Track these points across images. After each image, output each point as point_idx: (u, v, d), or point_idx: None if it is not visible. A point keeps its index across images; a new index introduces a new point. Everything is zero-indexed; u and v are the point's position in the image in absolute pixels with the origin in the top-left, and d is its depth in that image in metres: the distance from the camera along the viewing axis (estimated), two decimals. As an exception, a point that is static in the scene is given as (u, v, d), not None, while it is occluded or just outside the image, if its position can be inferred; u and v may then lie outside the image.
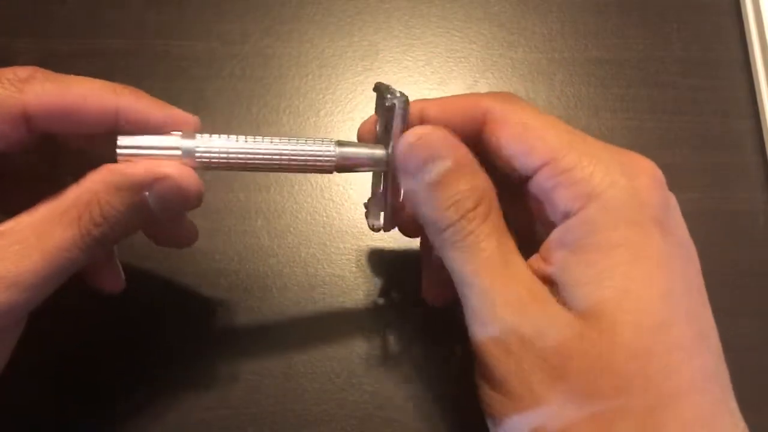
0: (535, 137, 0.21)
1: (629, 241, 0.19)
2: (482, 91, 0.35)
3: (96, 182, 0.21)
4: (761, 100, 0.35)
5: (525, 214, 0.24)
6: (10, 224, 0.20)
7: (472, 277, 0.21)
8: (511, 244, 0.21)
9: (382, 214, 0.25)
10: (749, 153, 0.34)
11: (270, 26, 0.35)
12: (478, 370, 0.21)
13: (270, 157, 0.22)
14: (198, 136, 0.22)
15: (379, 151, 0.23)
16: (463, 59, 0.35)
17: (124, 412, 0.27)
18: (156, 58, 0.34)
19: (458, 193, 0.21)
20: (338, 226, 0.31)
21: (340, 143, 0.23)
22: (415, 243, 0.29)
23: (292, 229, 0.31)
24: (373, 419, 0.28)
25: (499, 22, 0.36)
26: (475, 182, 0.21)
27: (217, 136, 0.22)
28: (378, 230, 0.26)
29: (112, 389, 0.28)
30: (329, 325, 0.29)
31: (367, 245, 0.31)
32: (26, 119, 0.20)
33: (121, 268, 0.26)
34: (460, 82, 0.35)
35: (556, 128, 0.22)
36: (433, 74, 0.35)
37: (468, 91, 0.35)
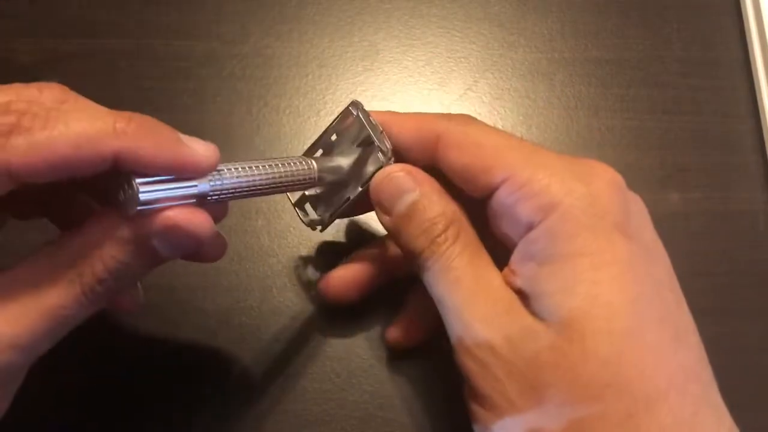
0: (490, 156, 0.22)
1: (591, 249, 0.20)
2: (481, 91, 0.35)
3: (98, 235, 0.19)
4: (761, 100, 0.35)
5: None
6: (6, 280, 0.19)
7: (445, 296, 0.22)
8: (483, 260, 0.22)
9: (327, 214, 0.27)
10: (749, 153, 0.34)
11: (270, 26, 0.35)
12: (464, 383, 0.22)
13: (266, 185, 0.23)
14: (211, 176, 0.21)
15: (345, 161, 0.26)
16: (463, 59, 0.35)
17: (124, 413, 0.27)
18: (156, 58, 0.34)
19: (426, 221, 0.22)
20: (338, 225, 0.31)
21: (316, 160, 0.25)
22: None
23: (292, 229, 0.31)
24: (373, 419, 0.28)
25: (499, 22, 0.36)
26: (442, 208, 0.23)
27: (225, 168, 0.21)
28: (316, 227, 0.28)
29: (112, 390, 0.28)
30: (329, 325, 0.29)
31: (367, 245, 0.31)
32: (9, 175, 0.17)
33: (140, 288, 0.25)
34: (460, 82, 0.35)
35: (509, 144, 0.22)
36: (433, 74, 0.35)
37: (468, 91, 0.35)
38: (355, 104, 0.25)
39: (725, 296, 0.31)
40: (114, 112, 0.19)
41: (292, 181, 0.24)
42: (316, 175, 0.24)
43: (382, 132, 0.24)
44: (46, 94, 0.18)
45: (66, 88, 0.19)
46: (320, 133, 0.27)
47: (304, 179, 0.24)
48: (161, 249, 0.20)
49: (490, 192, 0.22)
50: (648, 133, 0.34)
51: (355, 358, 0.29)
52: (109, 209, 0.20)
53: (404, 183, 0.23)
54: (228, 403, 0.28)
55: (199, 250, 0.22)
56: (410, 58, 0.35)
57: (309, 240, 0.31)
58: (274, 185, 0.23)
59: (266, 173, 0.23)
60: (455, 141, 0.23)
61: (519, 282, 0.21)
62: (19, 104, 0.17)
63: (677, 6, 0.37)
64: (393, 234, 0.24)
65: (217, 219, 0.22)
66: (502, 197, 0.22)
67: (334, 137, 0.26)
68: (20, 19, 0.34)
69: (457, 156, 0.23)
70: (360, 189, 0.25)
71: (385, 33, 0.36)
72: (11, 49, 0.33)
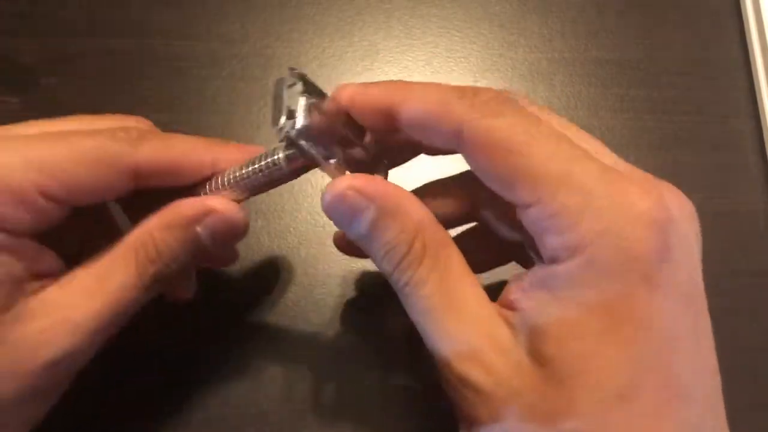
0: (519, 170, 0.18)
1: (609, 304, 0.18)
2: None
3: (150, 221, 0.22)
4: (761, 100, 0.35)
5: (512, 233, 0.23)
6: (74, 271, 0.21)
7: (419, 322, 0.20)
8: (456, 272, 0.20)
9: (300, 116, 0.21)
10: (749, 153, 0.34)
11: (270, 26, 0.35)
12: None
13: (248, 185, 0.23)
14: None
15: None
16: (463, 59, 0.35)
17: (124, 413, 0.27)
18: (156, 58, 0.34)
19: (387, 243, 0.20)
20: (338, 226, 0.31)
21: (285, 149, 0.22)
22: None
23: (292, 229, 0.31)
24: (373, 419, 0.28)
25: (499, 22, 0.36)
26: (404, 221, 0.20)
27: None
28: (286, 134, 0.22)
29: (112, 389, 0.28)
30: (329, 326, 0.29)
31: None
32: (136, 175, 0.21)
33: (194, 278, 0.27)
34: (460, 82, 0.35)
35: (544, 152, 0.18)
36: (433, 74, 0.35)
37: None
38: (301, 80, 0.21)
39: (725, 296, 0.31)
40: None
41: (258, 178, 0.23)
42: (285, 163, 0.22)
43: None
44: (141, 121, 0.24)
45: (140, 117, 0.24)
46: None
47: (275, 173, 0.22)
48: (204, 236, 0.22)
49: (517, 206, 0.19)
50: (648, 133, 0.34)
51: (356, 358, 0.29)
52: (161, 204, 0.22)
53: (356, 202, 0.20)
54: (227, 402, 0.28)
55: (231, 243, 0.25)
56: (410, 58, 0.35)
57: (309, 240, 0.31)
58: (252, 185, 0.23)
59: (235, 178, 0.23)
60: (479, 142, 0.19)
61: (524, 305, 0.19)
62: (134, 125, 0.23)
63: (677, 6, 0.37)
64: (364, 250, 0.21)
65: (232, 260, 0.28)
66: (531, 219, 0.19)
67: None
68: (20, 19, 0.34)
69: (481, 161, 0.19)
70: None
71: (385, 33, 0.36)
72: (12, 48, 0.33)
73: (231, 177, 0.23)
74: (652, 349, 0.18)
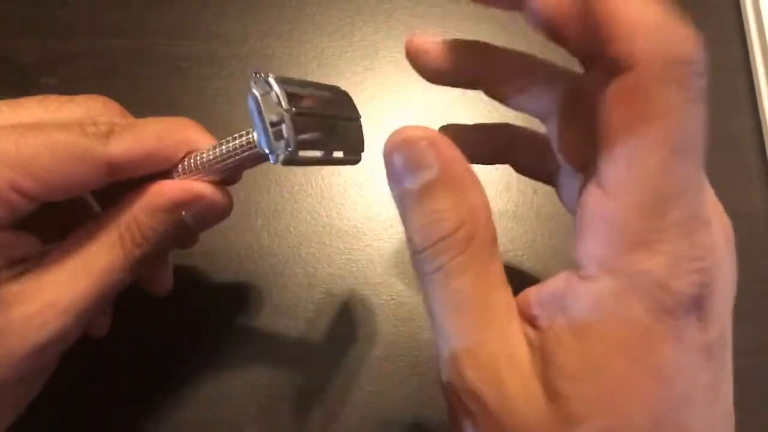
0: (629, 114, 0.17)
1: (635, 347, 0.16)
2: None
3: (135, 205, 0.22)
4: (761, 100, 0.35)
5: (545, 169, 0.24)
6: (58, 251, 0.21)
7: (440, 316, 0.18)
8: (494, 276, 0.18)
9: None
10: (749, 153, 0.34)
11: (270, 26, 0.35)
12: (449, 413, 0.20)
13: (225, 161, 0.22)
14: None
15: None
16: (463, 59, 0.35)
17: (124, 412, 0.27)
18: (156, 58, 0.34)
19: (436, 212, 0.18)
20: (338, 226, 0.31)
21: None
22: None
23: (292, 229, 0.31)
24: (373, 419, 0.28)
25: (500, 22, 0.36)
26: (460, 199, 0.18)
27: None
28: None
29: (112, 389, 0.28)
30: (329, 325, 0.29)
31: (367, 245, 0.31)
32: (110, 169, 0.21)
33: (171, 272, 0.27)
34: (460, 82, 0.35)
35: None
36: (433, 74, 0.35)
37: (468, 91, 0.35)
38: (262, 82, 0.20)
39: (725, 296, 0.31)
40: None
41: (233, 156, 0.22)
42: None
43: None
44: (109, 105, 0.23)
45: (107, 99, 0.23)
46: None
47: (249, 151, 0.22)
48: (189, 219, 0.22)
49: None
50: (648, 134, 0.34)
51: (356, 357, 0.29)
52: (146, 184, 0.22)
53: (423, 155, 0.18)
54: (227, 403, 0.28)
55: (214, 225, 0.24)
56: (410, 58, 0.35)
57: (309, 240, 0.31)
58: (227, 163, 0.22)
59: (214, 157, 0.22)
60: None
61: (541, 323, 0.18)
62: (103, 117, 0.22)
63: (677, 6, 0.37)
64: (397, 206, 0.19)
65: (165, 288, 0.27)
66: (586, 197, 0.17)
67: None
68: (20, 19, 0.34)
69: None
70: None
71: (385, 33, 0.36)
72: (11, 49, 0.33)
73: (206, 158, 0.22)
74: (670, 405, 0.17)
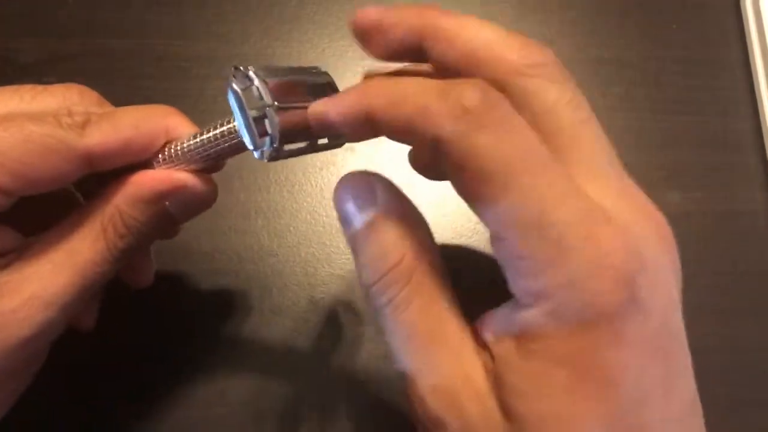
0: (493, 201, 0.17)
1: (575, 358, 0.17)
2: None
3: (117, 195, 0.21)
4: (761, 100, 0.35)
5: None
6: (40, 244, 0.21)
7: (394, 347, 0.19)
8: (441, 304, 0.19)
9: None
10: (749, 153, 0.34)
11: (270, 26, 0.35)
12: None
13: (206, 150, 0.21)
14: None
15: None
16: (463, 59, 0.35)
17: (124, 412, 0.27)
18: (156, 58, 0.34)
19: (381, 246, 0.18)
20: (338, 225, 0.31)
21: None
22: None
23: (292, 229, 0.31)
24: (373, 419, 0.28)
25: (499, 22, 0.36)
26: (403, 233, 0.18)
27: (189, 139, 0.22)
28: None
29: (112, 389, 0.28)
30: (329, 326, 0.29)
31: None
32: (88, 161, 0.20)
33: (153, 265, 0.27)
34: (460, 82, 0.35)
35: (527, 184, 0.16)
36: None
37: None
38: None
39: (725, 296, 0.31)
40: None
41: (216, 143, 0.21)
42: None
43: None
44: (86, 95, 0.22)
45: (84, 87, 0.22)
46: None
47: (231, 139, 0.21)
48: (172, 208, 0.22)
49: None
50: (648, 133, 0.34)
51: (356, 357, 0.29)
52: (127, 175, 0.21)
53: (367, 195, 0.19)
54: (227, 403, 0.28)
55: (197, 214, 0.24)
56: (410, 58, 0.35)
57: (309, 240, 0.31)
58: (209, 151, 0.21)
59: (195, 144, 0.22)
60: (455, 162, 0.17)
61: (493, 349, 0.18)
62: (79, 107, 0.21)
63: (677, 6, 0.37)
64: (350, 249, 0.20)
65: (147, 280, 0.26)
66: (496, 249, 0.18)
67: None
68: (20, 19, 0.34)
69: (456, 182, 0.18)
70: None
71: (385, 33, 0.36)
72: (11, 49, 0.33)
73: (186, 147, 0.22)
74: (621, 407, 0.17)
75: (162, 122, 0.22)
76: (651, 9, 0.37)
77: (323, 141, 0.20)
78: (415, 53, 0.20)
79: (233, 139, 0.21)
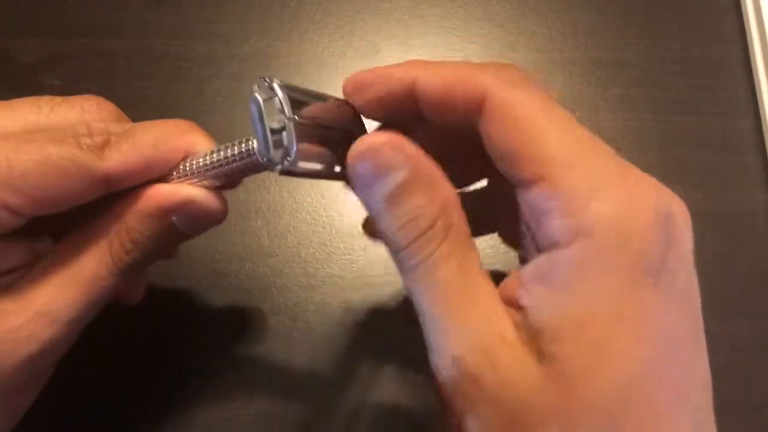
0: (531, 141, 0.18)
1: (615, 295, 0.17)
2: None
3: (124, 210, 0.21)
4: (761, 100, 0.35)
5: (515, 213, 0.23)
6: (47, 260, 0.21)
7: (429, 308, 0.18)
8: (474, 262, 0.19)
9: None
10: (749, 153, 0.34)
11: (270, 26, 0.35)
12: (440, 403, 0.19)
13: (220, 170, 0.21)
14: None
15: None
16: (463, 59, 0.35)
17: (125, 413, 0.27)
18: (156, 58, 0.34)
19: (413, 210, 0.18)
20: (338, 226, 0.31)
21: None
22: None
23: (292, 229, 0.31)
24: (373, 419, 0.28)
25: (499, 22, 0.36)
26: (433, 194, 0.18)
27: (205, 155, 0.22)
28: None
29: (112, 390, 0.28)
30: (329, 326, 0.29)
31: (367, 245, 0.31)
32: (106, 182, 0.20)
33: (145, 282, 0.26)
34: (460, 82, 0.35)
35: (559, 130, 0.18)
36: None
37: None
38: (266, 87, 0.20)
39: (725, 296, 0.31)
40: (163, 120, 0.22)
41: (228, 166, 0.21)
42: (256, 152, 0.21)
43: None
44: (103, 107, 0.22)
45: (102, 99, 0.22)
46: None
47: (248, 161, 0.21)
48: (179, 224, 0.22)
49: (521, 184, 0.19)
50: (648, 133, 0.34)
51: (356, 357, 0.29)
52: (135, 189, 0.21)
53: (390, 159, 0.18)
54: (228, 404, 0.28)
55: (206, 230, 0.24)
56: (410, 58, 0.35)
57: (309, 240, 0.31)
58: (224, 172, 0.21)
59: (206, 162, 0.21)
60: (500, 110, 0.18)
61: (525, 302, 0.18)
62: (98, 123, 0.21)
63: (677, 6, 0.37)
64: (373, 216, 0.20)
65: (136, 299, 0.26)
66: (534, 198, 0.18)
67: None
68: (20, 19, 0.34)
69: (496, 133, 0.19)
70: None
71: (385, 33, 0.36)
72: (11, 49, 0.33)
73: (202, 163, 0.21)
74: (656, 350, 0.17)
75: (181, 141, 0.21)
76: (651, 9, 0.37)
77: (338, 168, 0.20)
78: (405, 104, 0.21)
79: (250, 157, 0.21)
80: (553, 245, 0.18)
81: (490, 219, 0.25)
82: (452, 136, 0.23)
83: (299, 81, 0.34)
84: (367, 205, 0.19)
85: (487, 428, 0.18)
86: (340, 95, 0.22)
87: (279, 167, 0.19)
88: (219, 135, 0.33)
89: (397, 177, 0.18)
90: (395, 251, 0.19)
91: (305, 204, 0.31)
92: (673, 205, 0.18)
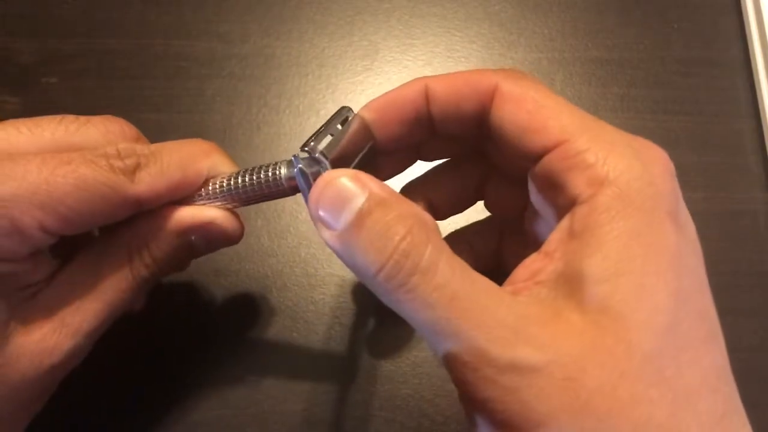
0: (548, 116, 0.20)
1: (644, 234, 0.18)
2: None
3: (145, 227, 0.22)
4: (761, 100, 0.35)
5: (517, 204, 0.23)
6: (67, 272, 0.21)
7: (430, 321, 0.17)
8: (458, 259, 0.18)
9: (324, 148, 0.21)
10: (749, 153, 0.34)
11: (270, 26, 0.35)
12: (470, 404, 0.18)
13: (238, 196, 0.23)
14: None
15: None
16: (463, 59, 0.35)
17: (125, 413, 0.27)
18: (156, 58, 0.34)
19: (382, 225, 0.18)
20: (338, 226, 0.31)
21: (287, 164, 0.22)
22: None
23: (292, 229, 0.31)
24: (373, 419, 0.28)
25: (499, 22, 0.36)
26: (399, 209, 0.18)
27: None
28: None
29: (112, 390, 0.28)
30: (329, 326, 0.29)
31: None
32: (137, 205, 0.21)
33: (145, 293, 0.26)
34: (460, 82, 0.35)
35: (569, 108, 0.20)
36: (433, 74, 0.35)
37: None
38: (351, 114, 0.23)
39: (725, 296, 0.31)
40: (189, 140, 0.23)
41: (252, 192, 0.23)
42: (285, 181, 0.22)
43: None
44: (126, 129, 0.23)
45: (123, 121, 0.23)
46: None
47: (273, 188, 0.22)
48: (198, 243, 0.23)
49: (540, 154, 0.20)
50: (648, 133, 0.34)
51: (355, 357, 0.29)
52: (158, 209, 0.22)
53: (348, 188, 0.18)
54: (228, 403, 0.28)
55: (222, 248, 0.25)
56: (410, 58, 0.35)
57: (309, 240, 0.31)
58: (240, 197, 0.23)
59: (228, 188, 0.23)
60: (513, 95, 0.21)
61: (556, 265, 0.19)
62: (125, 146, 0.21)
63: (677, 6, 0.37)
64: (341, 254, 0.19)
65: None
66: (554, 162, 0.20)
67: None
68: (20, 19, 0.34)
69: (514, 111, 0.21)
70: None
71: (385, 33, 0.36)
72: (11, 49, 0.33)
73: (226, 185, 0.23)
74: (686, 285, 0.18)
75: (206, 163, 0.23)
76: (651, 9, 0.37)
77: None
78: (418, 120, 0.23)
79: (277, 186, 0.22)
80: (577, 200, 0.19)
81: (479, 189, 0.27)
82: (456, 150, 0.25)
83: (299, 81, 0.35)
84: (331, 241, 0.19)
85: (540, 410, 0.17)
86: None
87: (311, 156, 0.20)
88: (219, 135, 0.33)
89: (359, 201, 0.18)
90: (373, 276, 0.18)
91: (305, 205, 0.31)
92: (669, 161, 0.20)
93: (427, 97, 0.22)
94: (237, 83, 0.34)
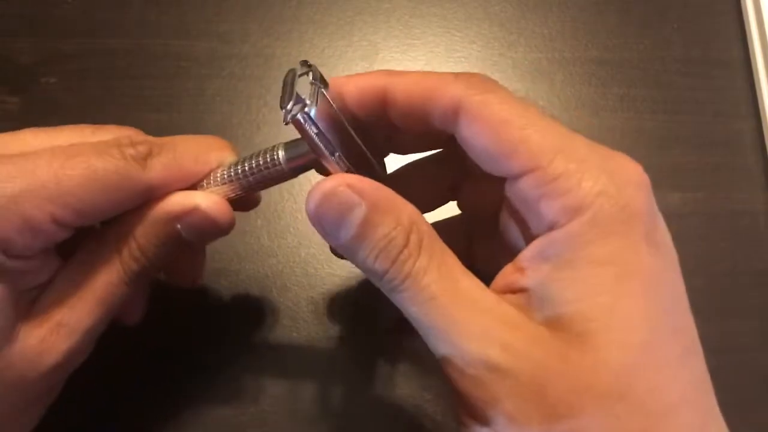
0: (516, 138, 0.19)
1: (617, 258, 0.18)
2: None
3: (130, 218, 0.22)
4: (761, 100, 0.35)
5: (492, 206, 0.23)
6: (63, 271, 0.21)
7: (423, 317, 0.19)
8: (453, 264, 0.20)
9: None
10: (749, 153, 0.34)
11: (270, 26, 0.35)
12: (454, 398, 0.20)
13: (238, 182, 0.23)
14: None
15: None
16: (463, 59, 0.35)
17: (125, 413, 0.27)
18: (156, 58, 0.34)
19: (382, 238, 0.19)
20: (338, 226, 0.31)
21: (285, 146, 0.22)
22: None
23: (292, 229, 0.31)
24: (372, 419, 0.28)
25: (499, 22, 0.36)
26: (397, 216, 0.19)
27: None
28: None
29: (112, 390, 0.28)
30: (329, 326, 0.29)
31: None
32: (149, 192, 0.21)
33: (145, 302, 0.26)
34: (460, 82, 0.35)
35: (539, 124, 0.19)
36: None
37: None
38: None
39: (725, 296, 0.31)
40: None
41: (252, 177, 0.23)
42: (284, 162, 0.22)
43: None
44: (139, 134, 0.23)
45: (135, 129, 0.23)
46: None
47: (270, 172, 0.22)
48: (185, 233, 0.22)
49: (513, 177, 0.20)
50: (648, 133, 0.34)
51: (355, 357, 0.29)
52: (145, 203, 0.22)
53: (345, 199, 0.19)
54: (228, 403, 0.28)
55: (214, 239, 0.24)
56: (410, 58, 0.35)
57: (309, 240, 0.31)
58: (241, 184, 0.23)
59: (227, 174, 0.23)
60: (479, 115, 0.19)
61: (526, 282, 0.19)
62: (138, 137, 0.22)
63: (677, 6, 0.37)
64: (348, 258, 0.20)
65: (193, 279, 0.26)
66: (526, 188, 0.19)
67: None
68: (20, 19, 0.34)
69: (478, 133, 0.19)
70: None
71: (385, 33, 0.36)
72: (11, 49, 0.33)
73: (227, 173, 0.22)
74: (662, 304, 0.18)
75: (218, 156, 0.23)
76: (651, 9, 0.37)
77: (337, 153, 0.20)
78: (375, 107, 0.22)
79: (273, 167, 0.22)
80: (551, 226, 0.19)
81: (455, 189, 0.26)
82: (424, 143, 0.24)
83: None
84: (339, 247, 0.20)
85: (506, 409, 0.18)
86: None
87: (292, 115, 0.20)
88: (219, 134, 0.33)
89: (359, 212, 0.19)
90: (379, 278, 0.20)
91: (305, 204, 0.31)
92: (644, 176, 0.20)
93: (385, 100, 0.21)
94: (237, 83, 0.34)
